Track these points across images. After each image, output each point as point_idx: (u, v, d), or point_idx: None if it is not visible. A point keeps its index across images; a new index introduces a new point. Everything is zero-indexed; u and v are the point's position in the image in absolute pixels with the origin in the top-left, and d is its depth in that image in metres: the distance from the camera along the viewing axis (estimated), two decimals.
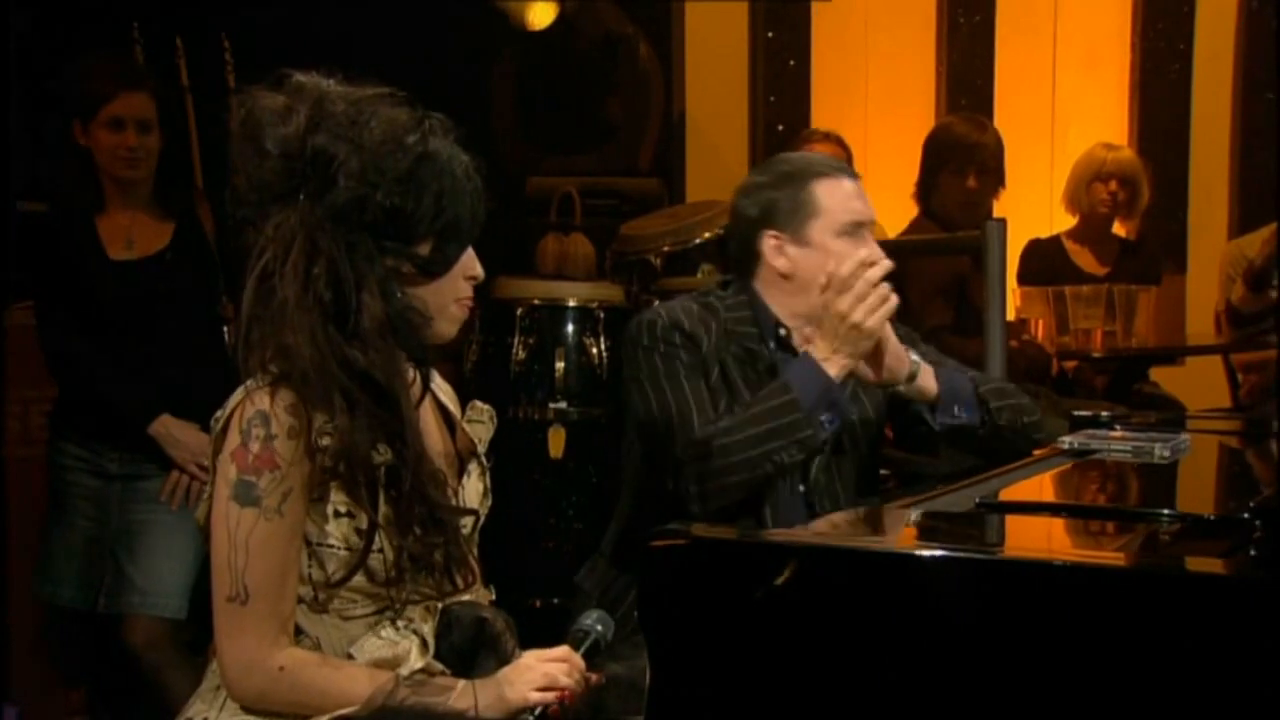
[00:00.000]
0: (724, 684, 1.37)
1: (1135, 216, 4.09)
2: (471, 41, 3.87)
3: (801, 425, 2.06)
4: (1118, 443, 2.07)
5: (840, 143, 4.01)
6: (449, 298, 1.74)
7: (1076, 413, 2.34)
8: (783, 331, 2.27)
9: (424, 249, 1.69)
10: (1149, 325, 3.88)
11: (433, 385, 1.83)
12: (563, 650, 1.73)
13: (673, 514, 2.02)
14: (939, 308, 3.51)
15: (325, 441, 1.61)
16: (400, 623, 1.71)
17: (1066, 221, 4.09)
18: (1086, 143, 4.24)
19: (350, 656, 1.68)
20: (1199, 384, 3.99)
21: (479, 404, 1.90)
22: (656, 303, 2.30)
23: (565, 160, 4.34)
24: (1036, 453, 2.18)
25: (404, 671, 1.68)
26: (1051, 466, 2.05)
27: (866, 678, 1.35)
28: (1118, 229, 4.09)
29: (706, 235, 3.39)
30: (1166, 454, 2.02)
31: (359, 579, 1.66)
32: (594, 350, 3.28)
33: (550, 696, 1.67)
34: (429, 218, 1.67)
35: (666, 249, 3.36)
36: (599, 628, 1.79)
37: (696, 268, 3.35)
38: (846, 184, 2.26)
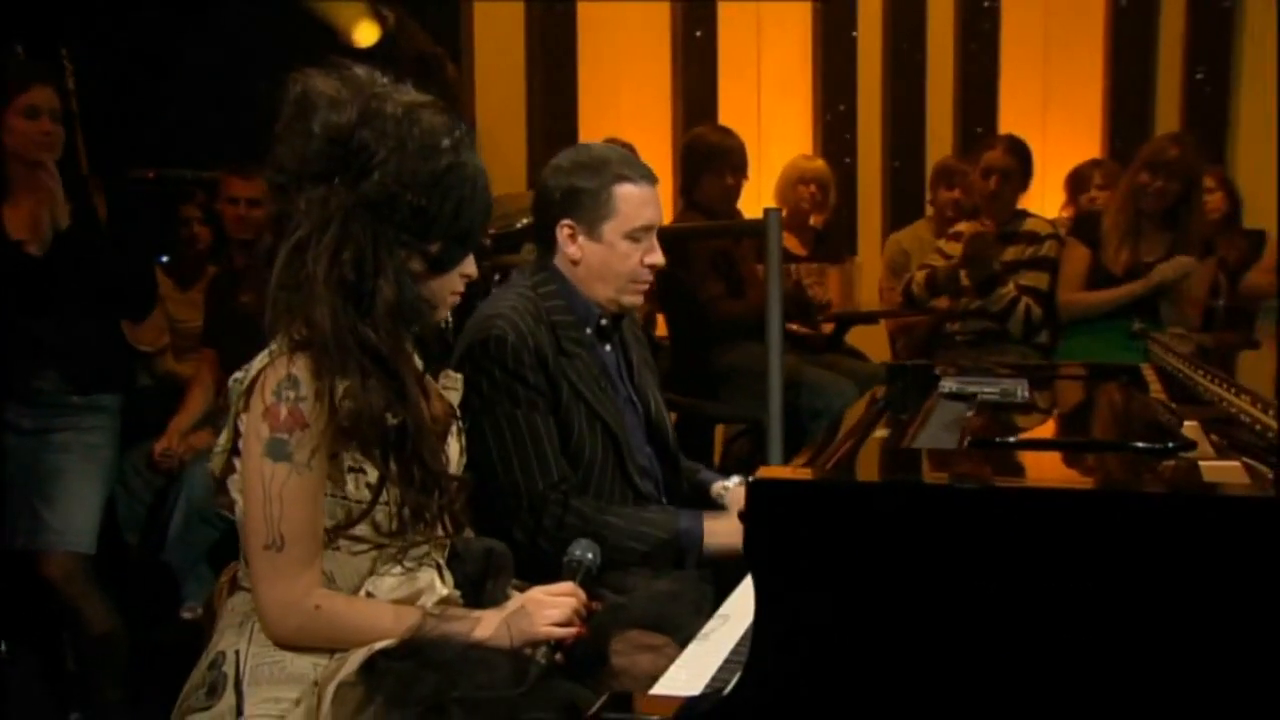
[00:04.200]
0: (828, 623, 1.24)
1: (826, 211, 4.67)
2: (301, 57, 4.07)
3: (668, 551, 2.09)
4: (987, 386, 2.06)
5: (632, 149, 4.43)
6: (446, 291, 1.77)
7: (888, 363, 2.52)
8: (604, 322, 2.23)
9: (435, 248, 1.72)
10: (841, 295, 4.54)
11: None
12: (568, 585, 1.75)
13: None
14: (715, 280, 3.83)
15: (345, 404, 1.64)
16: (409, 564, 1.74)
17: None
18: (784, 152, 4.88)
19: (369, 593, 1.71)
20: (872, 341, 4.67)
21: (453, 374, 1.92)
22: (498, 319, 2.16)
23: None
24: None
25: (428, 601, 1.71)
26: (951, 410, 1.94)
27: (983, 618, 1.21)
28: (813, 221, 4.67)
29: (525, 221, 3.56)
30: (1025, 394, 2.04)
31: (365, 528, 1.69)
32: None
33: (570, 631, 1.70)
34: (447, 222, 1.71)
35: (494, 231, 3.60)
36: (589, 555, 1.79)
37: (520, 247, 3.58)
38: (645, 190, 2.20)
